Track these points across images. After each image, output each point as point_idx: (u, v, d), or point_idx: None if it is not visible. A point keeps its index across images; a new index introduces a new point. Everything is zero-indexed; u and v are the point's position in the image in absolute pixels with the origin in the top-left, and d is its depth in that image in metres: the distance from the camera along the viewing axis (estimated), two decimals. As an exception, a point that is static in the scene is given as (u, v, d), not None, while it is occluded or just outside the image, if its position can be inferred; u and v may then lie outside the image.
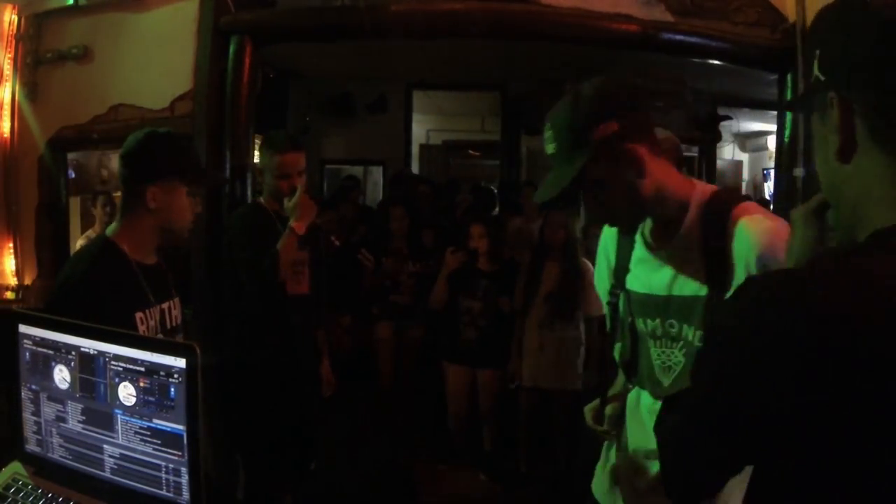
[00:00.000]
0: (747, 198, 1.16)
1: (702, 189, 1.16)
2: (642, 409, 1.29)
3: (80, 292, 1.31)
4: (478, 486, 3.16)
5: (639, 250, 1.24)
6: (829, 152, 0.64)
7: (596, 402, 1.40)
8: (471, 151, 8.28)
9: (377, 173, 6.63)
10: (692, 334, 1.15)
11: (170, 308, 1.51)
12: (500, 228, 3.30)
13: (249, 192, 2.75)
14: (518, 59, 4.67)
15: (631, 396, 1.34)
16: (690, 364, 1.13)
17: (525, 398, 3.10)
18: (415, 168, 6.50)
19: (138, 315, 1.38)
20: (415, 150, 6.57)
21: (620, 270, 1.29)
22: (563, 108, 1.09)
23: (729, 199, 1.13)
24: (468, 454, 3.30)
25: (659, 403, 1.22)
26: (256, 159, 2.67)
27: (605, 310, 1.39)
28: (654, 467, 1.23)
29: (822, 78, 0.63)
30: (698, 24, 2.59)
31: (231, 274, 2.23)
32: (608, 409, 1.37)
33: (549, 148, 1.11)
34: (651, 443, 1.23)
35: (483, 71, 5.19)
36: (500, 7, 2.54)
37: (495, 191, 5.60)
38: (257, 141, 2.75)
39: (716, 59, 2.74)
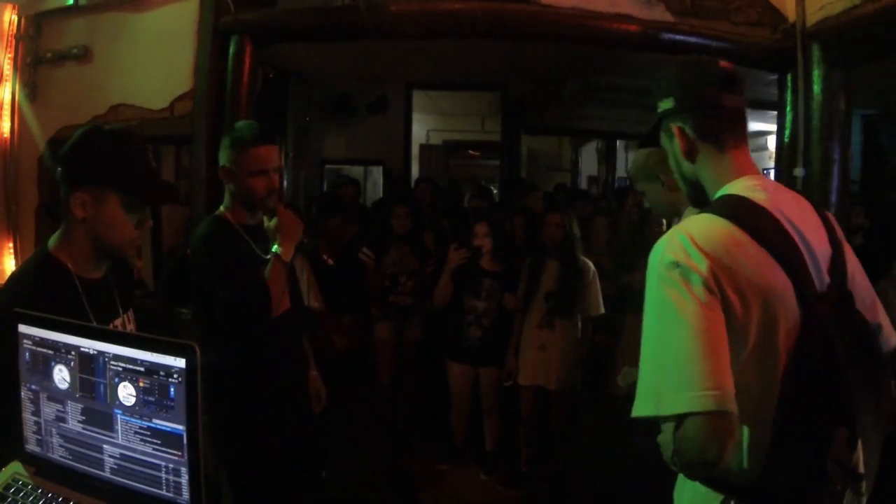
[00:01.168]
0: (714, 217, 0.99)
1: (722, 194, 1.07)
2: None
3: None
4: (478, 485, 3.16)
5: None
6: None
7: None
8: (471, 151, 8.29)
9: (377, 173, 6.63)
10: None
11: (121, 326, 1.36)
12: (504, 228, 3.31)
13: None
14: (518, 59, 4.67)
15: None
16: None
17: (525, 396, 3.11)
18: (415, 168, 6.50)
19: None
20: (415, 150, 6.57)
21: None
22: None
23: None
24: (469, 454, 3.30)
25: None
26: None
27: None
28: None
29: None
30: (698, 24, 2.59)
31: (201, 297, 1.86)
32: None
33: None
34: None
35: (483, 71, 5.19)
36: (500, 7, 2.54)
37: (494, 190, 5.62)
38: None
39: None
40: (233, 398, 1.83)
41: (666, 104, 1.15)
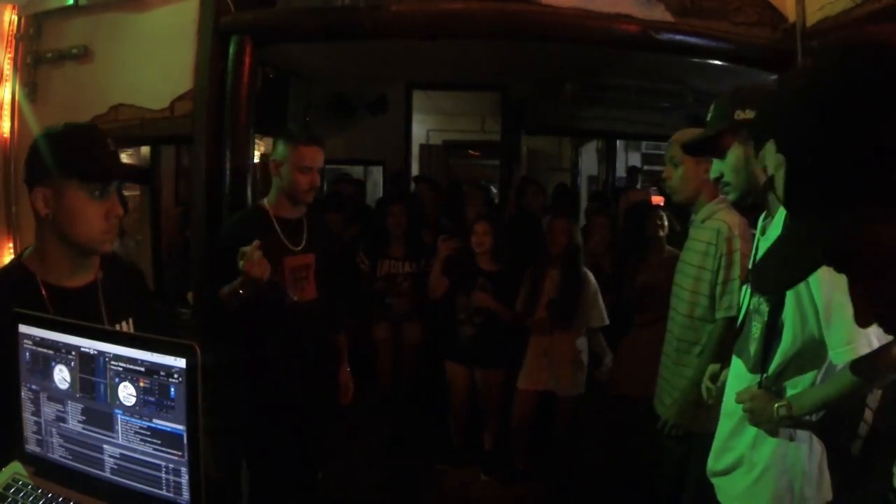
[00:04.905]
0: None
1: None
2: (731, 374, 1.54)
3: None
4: (478, 486, 3.16)
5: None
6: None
7: (716, 366, 1.68)
8: (471, 151, 8.28)
9: (377, 173, 6.63)
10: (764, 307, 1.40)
11: None
12: (504, 228, 3.31)
13: (249, 193, 2.74)
14: (518, 59, 4.67)
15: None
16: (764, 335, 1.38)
17: (521, 401, 3.11)
18: (415, 168, 6.50)
19: None
20: (415, 150, 6.56)
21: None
22: None
23: None
24: (468, 454, 3.30)
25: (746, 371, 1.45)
26: (257, 158, 2.53)
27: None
28: (724, 428, 1.49)
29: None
30: (698, 24, 2.59)
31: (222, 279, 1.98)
32: (723, 375, 1.61)
33: None
34: (728, 406, 1.49)
35: (483, 71, 5.19)
36: (500, 7, 2.54)
37: (494, 190, 5.62)
38: (257, 141, 2.71)
39: (716, 59, 2.74)
40: (248, 389, 2.02)
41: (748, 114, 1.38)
